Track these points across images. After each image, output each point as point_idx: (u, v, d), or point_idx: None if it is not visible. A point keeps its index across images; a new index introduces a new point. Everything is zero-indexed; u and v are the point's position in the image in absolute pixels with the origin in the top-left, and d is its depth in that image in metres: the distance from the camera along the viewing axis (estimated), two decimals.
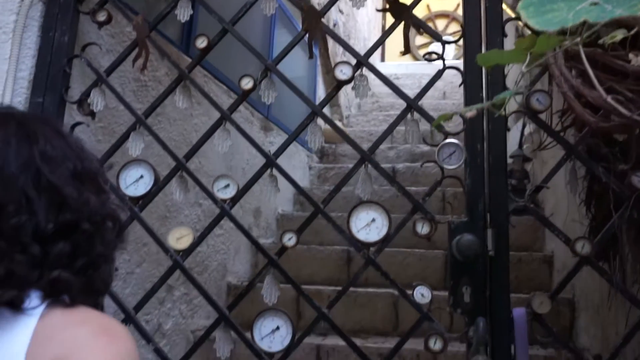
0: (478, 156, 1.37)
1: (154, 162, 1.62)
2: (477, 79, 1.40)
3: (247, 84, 1.58)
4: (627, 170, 1.26)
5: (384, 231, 1.42)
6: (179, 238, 1.52)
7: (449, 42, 1.52)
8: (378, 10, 1.44)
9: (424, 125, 1.52)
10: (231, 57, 2.88)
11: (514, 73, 1.56)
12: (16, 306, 0.64)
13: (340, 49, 4.85)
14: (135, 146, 1.60)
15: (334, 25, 4.99)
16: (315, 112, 1.55)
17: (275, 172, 1.55)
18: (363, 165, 1.50)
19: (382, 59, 8.22)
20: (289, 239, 1.47)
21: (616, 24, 0.71)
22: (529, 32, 1.38)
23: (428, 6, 8.72)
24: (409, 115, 1.50)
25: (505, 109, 0.80)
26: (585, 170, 1.55)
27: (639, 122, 0.81)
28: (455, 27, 8.51)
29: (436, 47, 1.48)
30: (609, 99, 0.73)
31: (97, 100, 1.64)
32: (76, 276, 0.70)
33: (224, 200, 1.54)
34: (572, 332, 2.48)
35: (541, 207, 2.88)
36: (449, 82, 5.40)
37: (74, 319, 0.66)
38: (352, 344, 1.44)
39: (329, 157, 4.52)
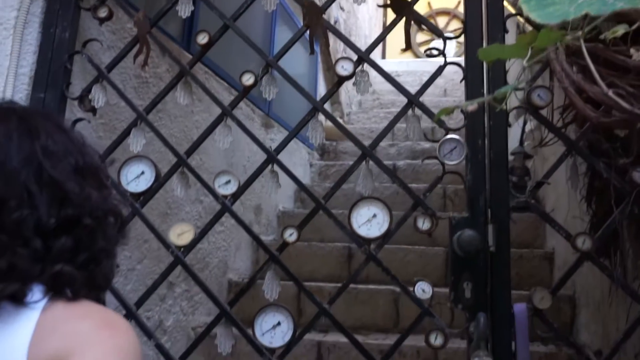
0: (479, 152, 1.37)
1: (155, 158, 1.62)
2: (478, 75, 1.40)
3: (248, 80, 1.58)
4: (628, 166, 1.26)
5: (385, 227, 1.42)
6: (180, 234, 1.52)
7: (450, 38, 1.52)
8: (379, 6, 1.46)
9: (425, 123, 1.52)
10: (232, 54, 2.88)
11: (514, 70, 1.56)
12: (19, 299, 0.65)
13: (341, 46, 4.85)
14: (136, 142, 1.60)
15: (335, 22, 4.99)
16: (316, 107, 1.56)
17: (276, 167, 1.55)
18: (364, 161, 1.50)
19: (383, 56, 8.23)
20: (290, 235, 1.47)
21: (617, 18, 0.71)
22: (530, 28, 1.38)
23: (429, 3, 8.72)
24: (410, 111, 1.50)
25: (506, 104, 0.80)
26: (586, 167, 1.55)
27: None
28: (456, 24, 8.51)
29: (437, 44, 1.48)
30: (610, 92, 0.73)
31: (98, 97, 1.64)
32: (78, 270, 0.70)
33: (225, 196, 1.54)
34: (573, 328, 2.48)
35: (542, 204, 2.89)
36: (450, 79, 5.40)
37: (76, 312, 0.67)
38: (354, 339, 1.44)
39: (330, 154, 4.52)
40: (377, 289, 2.74)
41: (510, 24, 1.43)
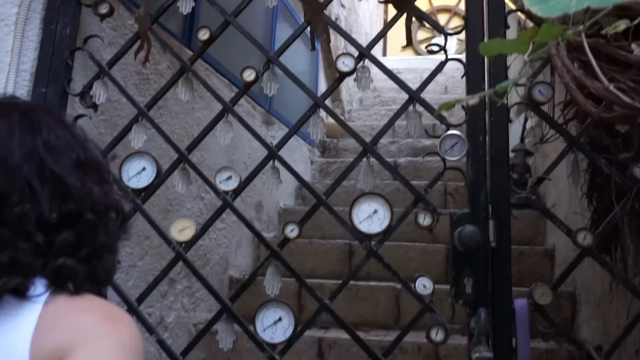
0: (480, 148, 1.37)
1: (156, 155, 1.63)
2: (480, 71, 1.40)
3: (249, 76, 1.58)
4: (628, 162, 1.26)
5: (386, 223, 1.43)
6: (182, 230, 1.53)
7: (451, 34, 1.52)
8: (380, 2, 1.44)
9: (426, 120, 1.52)
10: (233, 51, 2.88)
11: (515, 66, 1.56)
12: (21, 293, 0.65)
13: (342, 44, 4.84)
14: (137, 138, 1.60)
15: (336, 19, 4.98)
16: (317, 103, 1.56)
17: (277, 164, 1.55)
18: (365, 158, 1.50)
19: (384, 54, 8.21)
20: (291, 231, 1.47)
21: (619, 12, 0.71)
22: (531, 24, 1.38)
23: (430, 1, 8.70)
24: (411, 107, 1.50)
25: (507, 99, 0.80)
26: (587, 163, 1.55)
27: None
28: (457, 21, 8.49)
29: (438, 41, 1.47)
30: (612, 86, 0.73)
31: (99, 93, 1.64)
32: (80, 265, 0.71)
33: (226, 192, 1.55)
34: (574, 325, 2.48)
35: (543, 200, 2.88)
36: (451, 76, 5.40)
37: (78, 305, 0.67)
38: (355, 335, 1.45)
39: (330, 151, 4.52)
40: (378, 286, 2.74)
41: (511, 21, 1.43)
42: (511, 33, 1.46)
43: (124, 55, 1.71)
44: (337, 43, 4.81)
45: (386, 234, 1.44)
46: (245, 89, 1.61)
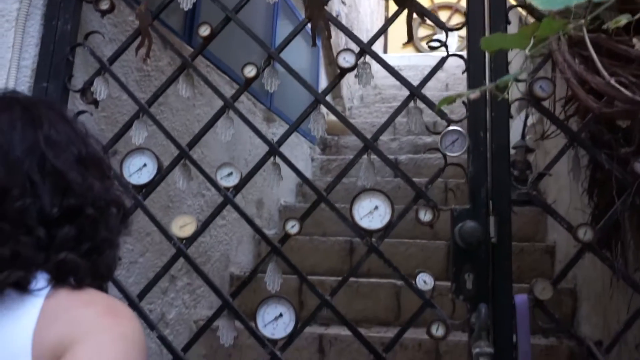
0: (481, 144, 1.36)
1: (157, 151, 1.62)
2: (481, 67, 1.40)
3: (250, 72, 1.58)
4: (629, 157, 1.26)
5: (386, 219, 1.43)
6: (182, 226, 1.53)
7: (452, 29, 1.52)
8: None
9: (427, 117, 1.52)
10: (233, 48, 2.87)
11: (517, 62, 1.56)
12: (23, 287, 0.65)
13: (343, 41, 4.84)
14: (138, 135, 1.60)
15: (337, 16, 4.98)
16: (318, 99, 1.56)
17: (278, 160, 1.55)
18: (366, 154, 1.50)
19: (385, 51, 8.20)
20: (292, 227, 1.47)
21: (620, 6, 0.71)
22: (532, 20, 1.38)
23: None
24: (411, 104, 1.50)
25: (508, 94, 0.80)
26: (588, 159, 1.55)
27: None
28: (458, 18, 8.47)
29: (439, 38, 1.47)
30: (612, 81, 0.73)
31: (100, 89, 1.64)
32: (82, 259, 0.71)
33: (227, 188, 1.55)
34: (574, 321, 2.49)
35: (543, 196, 2.88)
36: (452, 73, 5.40)
37: (80, 299, 0.67)
38: (356, 331, 1.45)
39: (331, 148, 4.52)
40: (379, 283, 2.74)
41: (512, 17, 1.42)
42: (512, 29, 1.46)
43: (125, 52, 1.71)
44: (338, 40, 4.81)
45: (387, 230, 1.44)
46: (246, 85, 1.61)
